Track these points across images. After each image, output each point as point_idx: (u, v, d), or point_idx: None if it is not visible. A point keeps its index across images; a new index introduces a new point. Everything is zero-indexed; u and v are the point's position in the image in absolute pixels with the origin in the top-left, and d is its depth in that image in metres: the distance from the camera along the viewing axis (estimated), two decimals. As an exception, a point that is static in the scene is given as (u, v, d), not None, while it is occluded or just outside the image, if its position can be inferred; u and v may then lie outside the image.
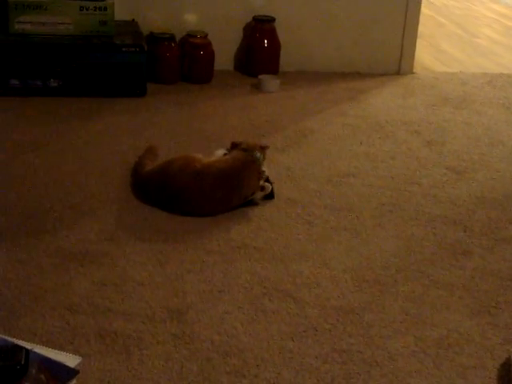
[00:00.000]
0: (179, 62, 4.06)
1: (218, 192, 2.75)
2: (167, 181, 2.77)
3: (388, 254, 2.60)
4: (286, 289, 2.36)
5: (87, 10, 3.78)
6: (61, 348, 1.99)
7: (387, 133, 3.61)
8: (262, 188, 2.86)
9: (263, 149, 2.88)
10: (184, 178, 2.74)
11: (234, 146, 2.89)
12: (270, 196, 2.89)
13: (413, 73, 4.46)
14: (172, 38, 4.03)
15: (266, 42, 4.20)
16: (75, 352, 1.98)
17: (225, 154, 2.94)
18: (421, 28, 4.48)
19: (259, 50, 4.21)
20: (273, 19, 4.19)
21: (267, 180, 2.90)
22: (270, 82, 4.05)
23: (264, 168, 2.88)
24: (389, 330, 2.20)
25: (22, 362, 1.78)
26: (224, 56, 4.21)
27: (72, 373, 1.82)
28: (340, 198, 2.96)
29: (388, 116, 3.81)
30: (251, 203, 2.83)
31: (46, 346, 1.96)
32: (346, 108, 3.88)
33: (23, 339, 1.97)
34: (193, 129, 3.49)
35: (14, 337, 1.97)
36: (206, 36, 4.09)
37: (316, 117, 3.74)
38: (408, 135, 3.61)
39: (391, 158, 3.34)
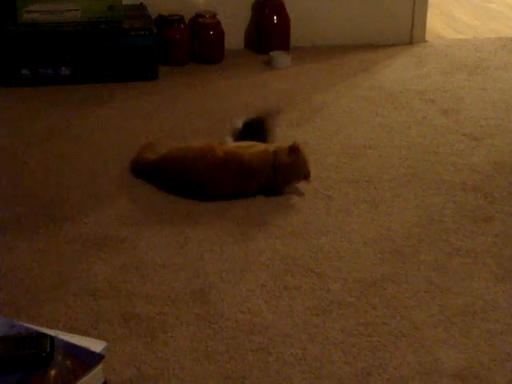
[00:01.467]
0: (189, 43, 4.04)
1: (240, 181, 2.71)
2: (186, 169, 2.72)
3: (409, 224, 2.58)
4: (307, 264, 2.35)
5: (94, -5, 3.77)
6: (85, 333, 1.99)
7: (402, 103, 3.58)
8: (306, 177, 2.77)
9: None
10: (204, 166, 2.70)
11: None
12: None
13: (425, 41, 4.42)
14: (181, 19, 4.01)
15: (275, 18, 4.17)
16: (100, 337, 1.98)
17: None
18: (431, -5, 4.44)
19: (269, 27, 4.18)
20: (281, -5, 4.16)
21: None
22: (282, 58, 4.03)
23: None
24: (413, 301, 2.19)
25: (48, 350, 1.78)
26: (234, 35, 4.19)
27: (98, 358, 1.82)
28: (358, 170, 2.94)
29: (402, 86, 3.78)
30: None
31: (71, 333, 1.95)
32: (359, 80, 3.85)
33: (47, 326, 1.97)
34: (206, 109, 3.47)
35: (38, 325, 1.97)
36: (214, 15, 4.06)
37: (329, 90, 3.72)
38: (423, 104, 3.58)
39: (407, 128, 3.31)
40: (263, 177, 2.73)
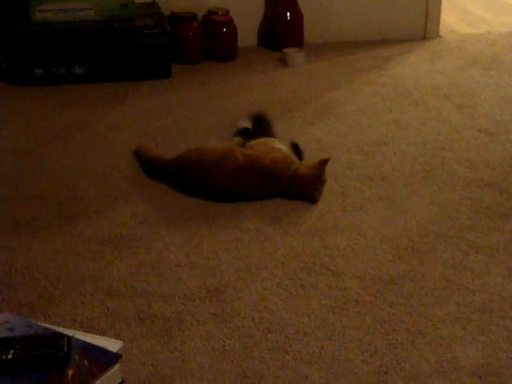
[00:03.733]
0: (202, 41, 4.03)
1: (259, 186, 2.69)
2: (204, 171, 2.69)
3: (424, 221, 2.57)
4: (323, 262, 2.34)
5: (107, -7, 3.77)
6: (102, 333, 1.99)
7: (416, 99, 3.56)
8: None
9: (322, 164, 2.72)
10: (224, 170, 2.68)
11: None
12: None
13: (439, 36, 4.39)
14: (194, 16, 4.00)
15: (288, 14, 4.15)
16: (116, 336, 1.99)
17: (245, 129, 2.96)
18: (445, -10, 4.42)
19: (282, 24, 4.17)
20: (294, -9, 4.15)
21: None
22: (295, 55, 4.01)
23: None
24: (430, 298, 2.18)
25: (65, 349, 1.77)
26: (247, 32, 4.18)
27: (115, 357, 1.82)
28: (373, 167, 2.93)
29: (416, 82, 3.76)
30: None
31: (87, 332, 1.95)
32: (373, 76, 3.83)
33: (64, 326, 1.97)
34: (220, 107, 3.47)
35: (54, 324, 1.97)
36: (227, 12, 4.05)
37: (343, 87, 3.70)
38: (438, 100, 3.56)
39: (422, 124, 3.29)
40: (281, 182, 2.71)
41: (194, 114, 3.39)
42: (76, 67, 3.70)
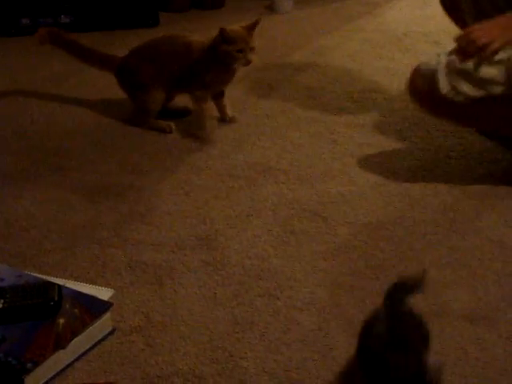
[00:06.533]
0: (190, -11, 3.98)
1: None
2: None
3: (415, 166, 2.56)
4: (314, 209, 2.34)
5: None
6: (92, 282, 1.99)
7: (407, 45, 3.53)
8: None
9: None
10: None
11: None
12: None
13: (429, -18, 4.35)
14: (180, -37, 3.95)
15: (276, -40, 4.10)
16: (107, 285, 1.98)
17: None
18: None
19: (270, -30, 4.12)
20: None
21: None
22: (284, 2, 3.97)
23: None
24: (421, 243, 2.18)
25: (56, 298, 1.78)
26: (235, -21, 4.13)
27: (106, 306, 1.82)
28: (362, 114, 2.91)
29: (407, 28, 3.73)
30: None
31: (78, 281, 1.96)
32: (363, 23, 3.80)
33: (54, 276, 1.97)
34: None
35: (45, 274, 1.97)
36: (215, -41, 4.00)
37: (333, 34, 3.67)
38: (428, 46, 3.52)
39: (412, 71, 3.26)
40: None
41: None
42: (62, 16, 3.66)
